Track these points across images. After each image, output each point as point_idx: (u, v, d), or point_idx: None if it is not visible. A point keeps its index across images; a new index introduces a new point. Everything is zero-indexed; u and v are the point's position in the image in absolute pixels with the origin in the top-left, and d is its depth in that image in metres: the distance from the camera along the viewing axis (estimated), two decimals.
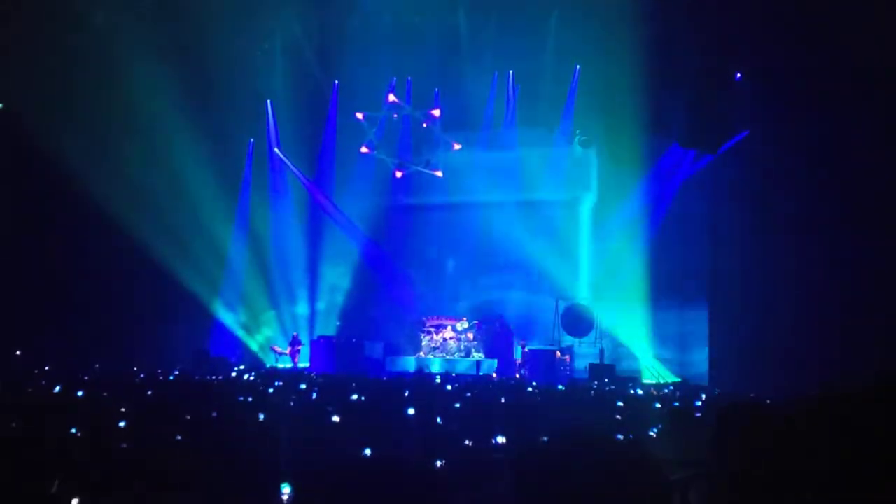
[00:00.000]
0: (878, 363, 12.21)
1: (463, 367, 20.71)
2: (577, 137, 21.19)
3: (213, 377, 14.68)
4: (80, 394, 8.82)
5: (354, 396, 9.83)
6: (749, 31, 17.13)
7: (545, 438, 5.73)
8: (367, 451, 5.13)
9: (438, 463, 4.80)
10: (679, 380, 18.57)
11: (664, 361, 20.47)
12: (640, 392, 13.73)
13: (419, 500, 2.71)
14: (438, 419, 7.23)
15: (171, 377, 13.93)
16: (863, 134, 15.44)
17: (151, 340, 20.15)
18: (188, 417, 7.10)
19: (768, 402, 6.45)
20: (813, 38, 15.67)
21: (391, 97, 22.13)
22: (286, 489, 3.99)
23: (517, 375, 19.57)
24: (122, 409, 7.33)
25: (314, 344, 21.93)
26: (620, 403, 9.55)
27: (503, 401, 9.53)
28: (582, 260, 22.07)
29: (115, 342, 18.96)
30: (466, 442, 6.21)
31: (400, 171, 23.14)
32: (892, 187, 14.92)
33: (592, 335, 21.61)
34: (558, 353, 20.44)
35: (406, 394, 10.19)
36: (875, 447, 2.79)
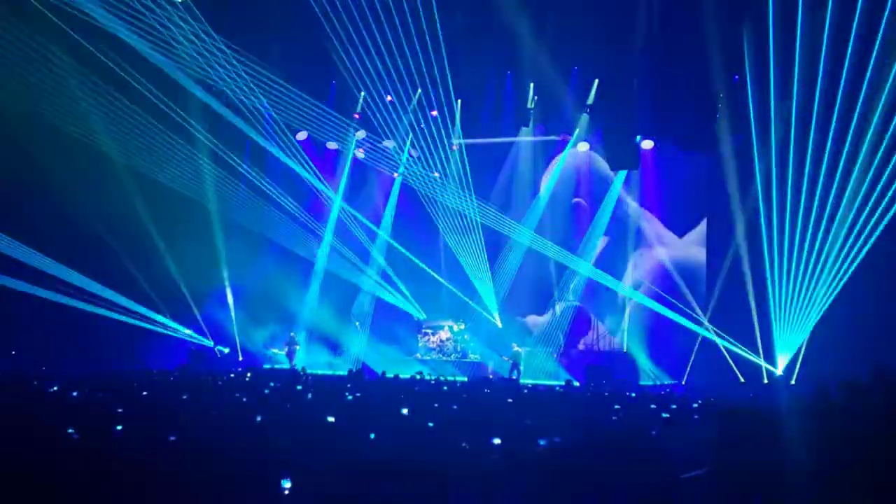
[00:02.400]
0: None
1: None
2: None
3: (211, 377, 14.61)
4: (74, 394, 8.78)
5: (350, 396, 9.81)
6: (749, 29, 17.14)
7: (540, 441, 5.72)
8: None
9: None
10: (674, 381, 18.63)
11: (661, 365, 20.49)
12: (634, 395, 13.72)
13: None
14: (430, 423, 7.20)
15: (170, 377, 13.88)
16: None
17: (150, 340, 20.14)
18: (186, 417, 7.07)
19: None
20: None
21: (388, 98, 22.09)
22: (287, 484, 3.97)
23: (513, 376, 19.61)
24: (119, 410, 7.30)
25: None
26: (617, 406, 9.56)
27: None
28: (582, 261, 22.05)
29: (114, 342, 18.97)
30: (463, 444, 6.18)
31: (396, 172, 23.16)
32: None
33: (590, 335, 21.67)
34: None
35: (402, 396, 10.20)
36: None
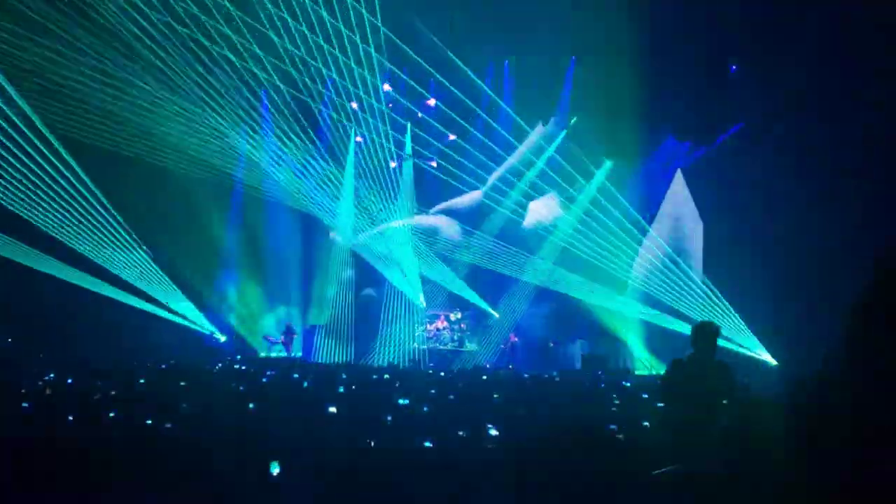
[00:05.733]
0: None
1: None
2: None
3: (207, 366, 14.64)
4: (70, 381, 8.79)
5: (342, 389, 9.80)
6: (746, 23, 17.05)
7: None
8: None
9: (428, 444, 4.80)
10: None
11: (658, 354, 20.52)
12: (628, 384, 13.73)
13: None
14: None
15: (164, 366, 13.89)
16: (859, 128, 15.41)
17: (148, 328, 20.15)
18: (184, 405, 7.08)
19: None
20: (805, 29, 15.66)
21: (386, 87, 22.01)
22: (276, 469, 4.00)
23: (509, 367, 19.64)
24: (113, 393, 7.31)
25: (307, 332, 22.08)
26: (617, 401, 9.59)
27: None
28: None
29: (112, 330, 18.96)
30: (460, 433, 6.20)
31: (394, 161, 23.09)
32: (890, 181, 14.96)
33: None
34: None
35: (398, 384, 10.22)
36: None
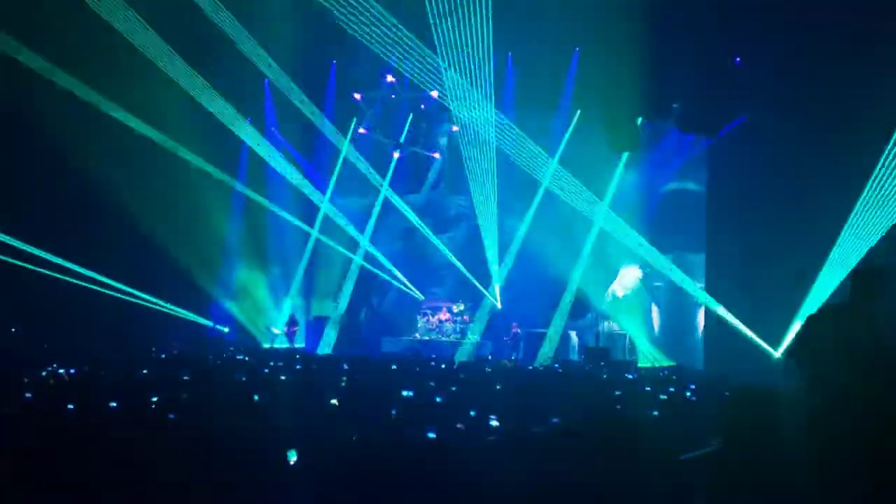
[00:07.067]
0: None
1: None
2: None
3: (210, 357, 14.64)
4: (73, 371, 8.80)
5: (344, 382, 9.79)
6: (749, 14, 16.95)
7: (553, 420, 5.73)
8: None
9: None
10: (673, 363, 18.64)
11: (659, 345, 20.50)
12: (632, 376, 13.72)
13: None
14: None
15: (164, 356, 13.90)
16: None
17: (149, 321, 20.15)
18: (185, 396, 7.08)
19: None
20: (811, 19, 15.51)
21: (389, 77, 21.99)
22: (293, 457, 3.99)
23: (512, 358, 19.61)
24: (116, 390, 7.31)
25: (310, 324, 22.10)
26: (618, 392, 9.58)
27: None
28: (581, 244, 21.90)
29: (113, 322, 18.97)
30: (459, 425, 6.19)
31: (397, 152, 23.08)
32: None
33: (588, 319, 21.65)
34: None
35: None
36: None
